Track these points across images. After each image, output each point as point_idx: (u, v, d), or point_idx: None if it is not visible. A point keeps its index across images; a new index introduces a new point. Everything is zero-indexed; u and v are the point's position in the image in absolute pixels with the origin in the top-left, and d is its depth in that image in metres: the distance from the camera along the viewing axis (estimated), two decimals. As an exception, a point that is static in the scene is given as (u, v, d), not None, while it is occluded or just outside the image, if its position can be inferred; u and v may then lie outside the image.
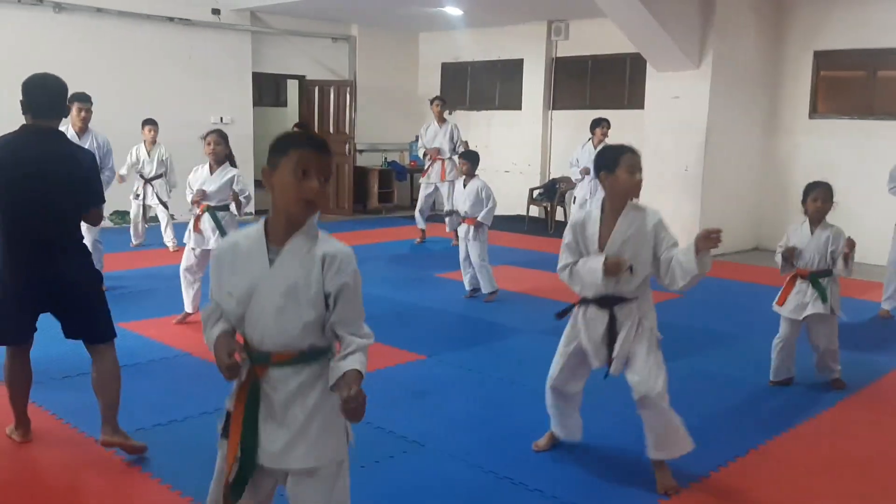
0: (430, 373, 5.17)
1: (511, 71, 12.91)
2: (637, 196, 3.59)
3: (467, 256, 7.20)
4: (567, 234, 3.67)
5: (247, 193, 5.99)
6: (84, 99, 6.78)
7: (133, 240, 9.63)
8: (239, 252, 2.26)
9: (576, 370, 3.79)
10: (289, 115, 15.68)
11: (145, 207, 9.55)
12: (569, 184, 11.86)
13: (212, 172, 5.91)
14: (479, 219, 7.02)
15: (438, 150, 10.21)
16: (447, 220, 7.50)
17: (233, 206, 5.91)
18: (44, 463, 3.73)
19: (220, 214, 5.85)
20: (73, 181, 3.55)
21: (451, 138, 10.27)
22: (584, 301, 3.65)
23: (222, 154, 5.90)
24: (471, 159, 7.26)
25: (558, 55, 12.34)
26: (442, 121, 10.38)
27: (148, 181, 9.33)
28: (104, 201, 3.78)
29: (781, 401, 4.81)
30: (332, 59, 13.31)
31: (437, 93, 13.83)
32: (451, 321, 6.57)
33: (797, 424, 4.39)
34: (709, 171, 9.64)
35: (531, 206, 12.03)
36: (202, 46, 11.59)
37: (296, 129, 2.35)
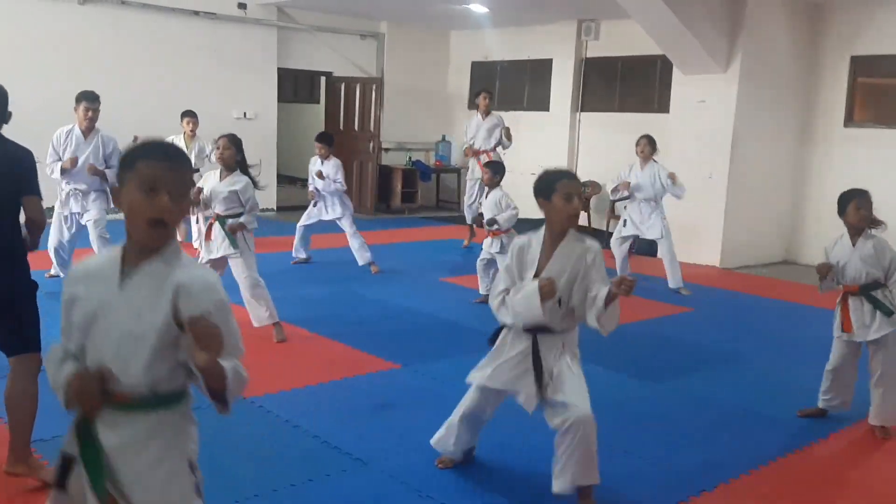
0: (400, 384, 4.94)
1: (540, 71, 12.60)
2: (575, 225, 3.39)
3: (488, 263, 6.98)
4: (508, 257, 3.49)
5: (252, 203, 5.58)
6: (91, 98, 6.65)
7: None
8: (91, 275, 2.03)
9: (489, 399, 3.61)
10: (322, 112, 15.59)
11: None
12: (594, 188, 11.53)
13: (221, 179, 5.56)
14: (498, 221, 6.76)
15: (475, 151, 9.83)
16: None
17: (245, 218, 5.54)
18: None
19: (230, 223, 5.48)
20: (7, 175, 3.34)
21: (492, 132, 9.85)
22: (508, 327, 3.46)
23: (232, 160, 5.52)
24: (494, 169, 7.03)
25: (588, 55, 11.99)
26: (486, 114, 9.96)
27: None
28: (38, 194, 3.45)
29: (767, 433, 4.46)
30: (360, 56, 13.17)
31: (466, 92, 13.65)
32: (440, 329, 6.32)
33: (770, 461, 4.06)
34: (734, 179, 9.24)
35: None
36: (227, 41, 11.54)
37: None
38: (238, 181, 5.52)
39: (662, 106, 10.67)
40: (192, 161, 9.02)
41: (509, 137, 9.92)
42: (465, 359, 5.41)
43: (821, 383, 4.56)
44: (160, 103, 10.26)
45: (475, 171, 9.86)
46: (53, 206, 6.72)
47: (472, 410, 3.61)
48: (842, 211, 4.33)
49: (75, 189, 6.67)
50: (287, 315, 6.28)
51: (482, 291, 7.03)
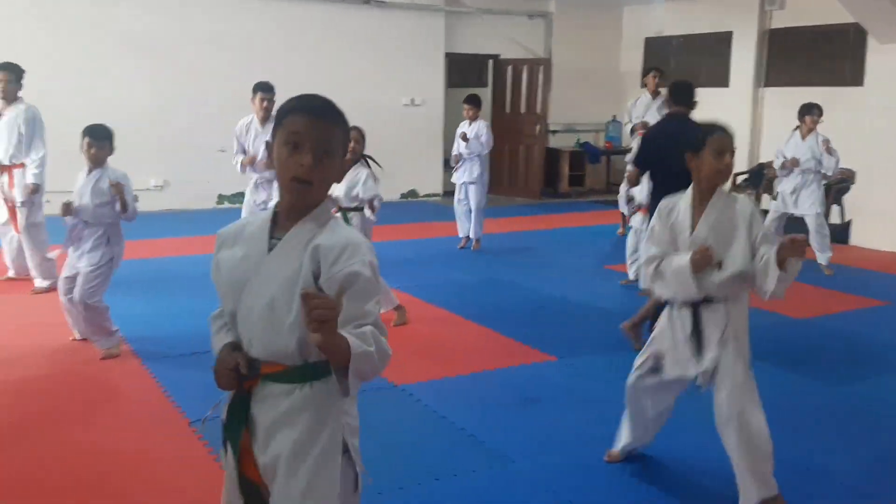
0: (553, 378, 4.77)
1: (718, 45, 11.85)
2: (725, 181, 3.18)
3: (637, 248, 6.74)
4: (653, 220, 3.30)
5: (375, 195, 5.52)
6: (267, 89, 6.90)
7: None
8: (241, 237, 1.97)
9: (656, 392, 3.40)
10: (489, 96, 15.55)
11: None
12: (771, 170, 10.73)
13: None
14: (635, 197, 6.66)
15: (645, 125, 9.06)
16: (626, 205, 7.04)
17: (366, 211, 5.59)
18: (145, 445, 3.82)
19: (350, 215, 5.50)
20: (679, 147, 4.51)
21: (661, 113, 9.01)
22: (670, 302, 3.27)
23: (359, 152, 5.53)
24: None
25: (772, 27, 11.13)
26: (656, 94, 9.47)
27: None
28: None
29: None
30: (527, 38, 12.95)
31: (639, 70, 13.08)
32: (600, 319, 6.04)
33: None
34: (938, 159, 8.28)
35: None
36: (395, 28, 11.68)
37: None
38: (361, 172, 5.48)
39: (856, 79, 9.73)
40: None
41: None
42: (622, 355, 5.19)
43: None
44: (329, 92, 10.44)
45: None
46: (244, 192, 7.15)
47: (641, 406, 3.46)
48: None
49: (261, 177, 6.92)
50: (443, 301, 6.30)
51: (630, 276, 6.88)
